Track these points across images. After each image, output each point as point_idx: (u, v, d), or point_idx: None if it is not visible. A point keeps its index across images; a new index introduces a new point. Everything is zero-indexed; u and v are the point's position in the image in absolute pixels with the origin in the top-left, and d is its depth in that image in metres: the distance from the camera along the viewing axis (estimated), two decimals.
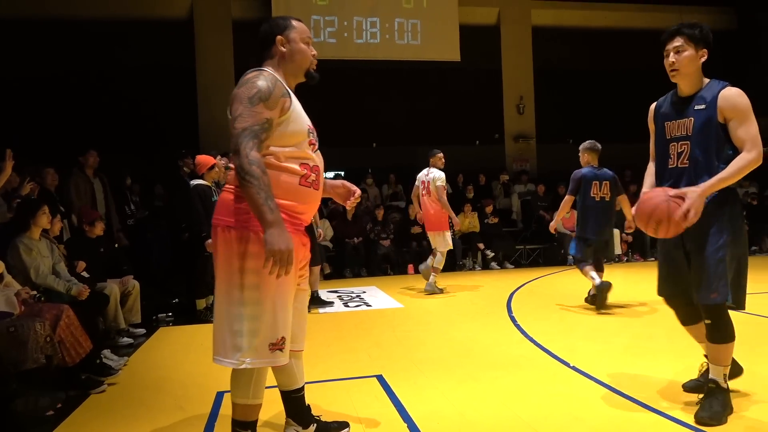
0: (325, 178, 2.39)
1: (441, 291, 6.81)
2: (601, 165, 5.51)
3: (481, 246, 9.52)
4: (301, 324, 2.34)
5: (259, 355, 2.00)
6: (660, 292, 2.77)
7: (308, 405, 2.48)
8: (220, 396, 3.09)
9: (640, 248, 9.96)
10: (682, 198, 2.38)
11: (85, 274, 4.52)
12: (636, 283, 6.97)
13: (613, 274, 6.94)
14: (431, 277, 6.79)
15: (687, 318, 2.76)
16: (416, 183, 6.93)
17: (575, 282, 5.79)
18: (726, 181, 2.39)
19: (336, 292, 7.18)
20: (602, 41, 12.60)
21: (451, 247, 6.88)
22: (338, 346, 4.27)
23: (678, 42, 2.52)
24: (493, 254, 9.64)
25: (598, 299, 5.22)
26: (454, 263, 9.23)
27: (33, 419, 2.92)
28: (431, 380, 3.29)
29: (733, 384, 2.63)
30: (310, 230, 5.62)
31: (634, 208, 2.58)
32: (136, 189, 8.28)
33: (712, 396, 2.49)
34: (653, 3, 12.72)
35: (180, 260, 6.11)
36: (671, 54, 2.54)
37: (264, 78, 2.02)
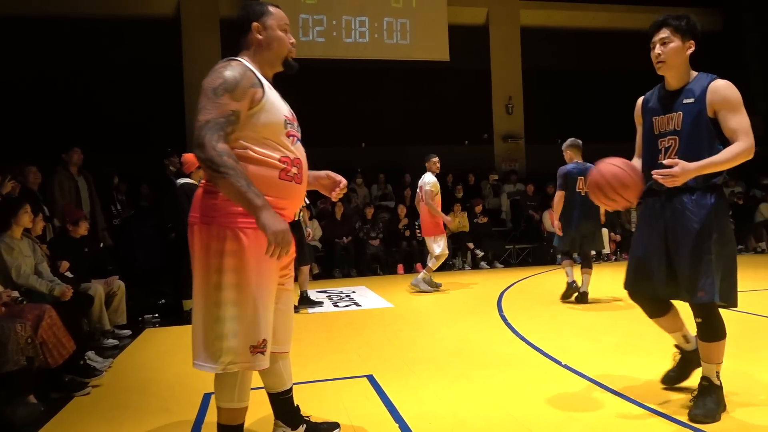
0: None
1: (437, 287, 6.86)
2: (586, 162, 5.56)
3: (471, 245, 9.52)
4: (287, 325, 2.27)
5: (239, 359, 1.92)
6: (627, 286, 2.71)
7: (297, 405, 2.42)
8: (207, 397, 3.03)
9: (628, 248, 10.00)
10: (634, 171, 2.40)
11: (68, 274, 4.43)
12: None
13: (602, 273, 6.94)
14: (422, 273, 6.89)
15: (653, 311, 2.73)
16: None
17: (565, 281, 5.80)
18: (717, 165, 2.32)
19: (325, 292, 7.12)
20: (590, 42, 12.67)
21: (445, 254, 6.86)
22: (328, 347, 4.22)
23: (664, 33, 2.47)
24: (482, 254, 9.64)
25: (564, 292, 5.74)
26: (444, 263, 9.20)
27: (10, 427, 2.84)
28: (423, 380, 3.25)
29: (724, 382, 2.61)
30: (298, 229, 5.60)
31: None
32: (123, 188, 8.17)
33: (705, 394, 2.47)
34: (641, 4, 12.81)
35: (167, 260, 6.02)
36: (657, 45, 2.49)
37: (231, 68, 1.93)
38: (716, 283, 2.38)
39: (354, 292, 7.11)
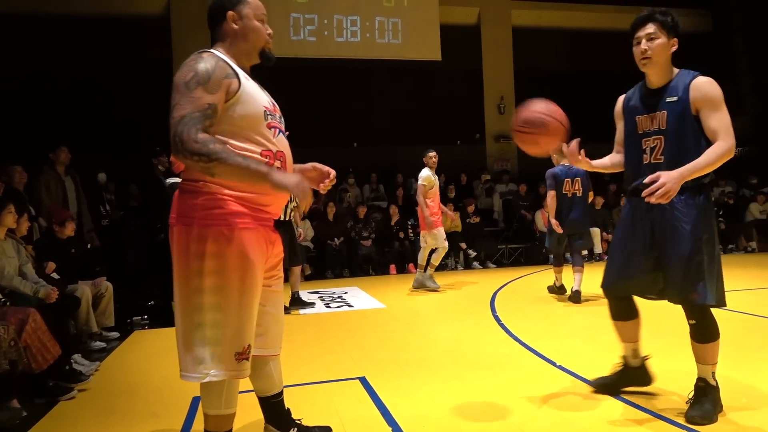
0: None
1: (436, 287, 6.84)
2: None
3: (463, 246, 9.49)
4: (277, 327, 2.20)
5: (224, 367, 1.84)
6: (606, 285, 2.67)
7: (288, 409, 2.36)
8: (196, 402, 2.96)
9: None
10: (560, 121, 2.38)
11: (54, 275, 4.34)
12: None
13: (594, 272, 6.91)
14: (418, 272, 6.91)
15: (621, 313, 2.71)
16: None
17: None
18: (701, 170, 2.28)
19: (317, 292, 7.06)
20: (582, 42, 12.70)
21: (443, 246, 6.80)
22: (320, 348, 4.16)
23: (650, 29, 2.42)
24: (475, 254, 9.61)
25: (551, 286, 6.06)
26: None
27: None
28: (415, 381, 3.20)
29: (719, 382, 2.59)
30: (289, 230, 5.54)
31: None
32: (111, 187, 8.08)
33: (702, 395, 2.45)
34: (632, 4, 12.85)
35: (156, 261, 5.94)
36: (643, 41, 2.42)
37: (203, 60, 1.85)
38: (709, 284, 2.35)
39: (346, 292, 7.05)
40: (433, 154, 6.78)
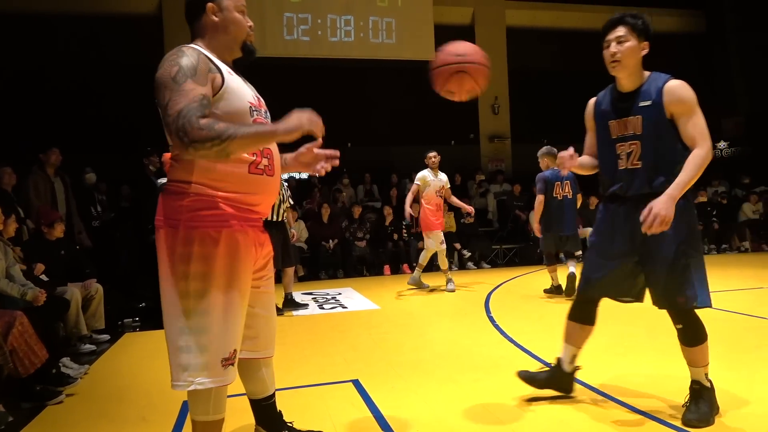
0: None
1: (426, 287, 6.91)
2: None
3: (458, 246, 9.47)
4: (269, 330, 2.16)
5: (210, 374, 1.79)
6: (582, 287, 2.64)
7: (279, 411, 2.32)
8: (186, 405, 2.91)
9: None
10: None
11: (43, 277, 4.28)
12: None
13: None
14: (416, 271, 7.03)
15: (581, 316, 2.68)
16: None
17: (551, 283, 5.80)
18: (687, 184, 2.25)
19: (311, 294, 7.02)
20: (576, 42, 12.69)
21: (434, 250, 6.80)
22: (313, 350, 4.12)
23: (621, 32, 2.40)
24: (469, 254, 9.60)
25: (551, 287, 6.13)
26: (431, 263, 9.14)
27: None
28: (409, 384, 3.17)
29: (715, 382, 2.57)
30: (282, 230, 5.50)
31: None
32: (103, 188, 8.00)
33: (698, 397, 2.42)
34: (626, 5, 12.87)
35: (147, 263, 5.86)
36: (613, 44, 2.40)
37: (184, 54, 1.79)
38: (695, 287, 2.33)
39: (340, 293, 7.01)
40: (432, 154, 6.77)
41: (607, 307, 2.67)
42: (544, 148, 6.06)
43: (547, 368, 2.82)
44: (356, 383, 3.19)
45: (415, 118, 11.70)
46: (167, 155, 5.36)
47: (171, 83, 1.72)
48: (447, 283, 6.84)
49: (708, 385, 2.45)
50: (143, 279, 6.23)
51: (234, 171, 1.85)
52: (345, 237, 9.08)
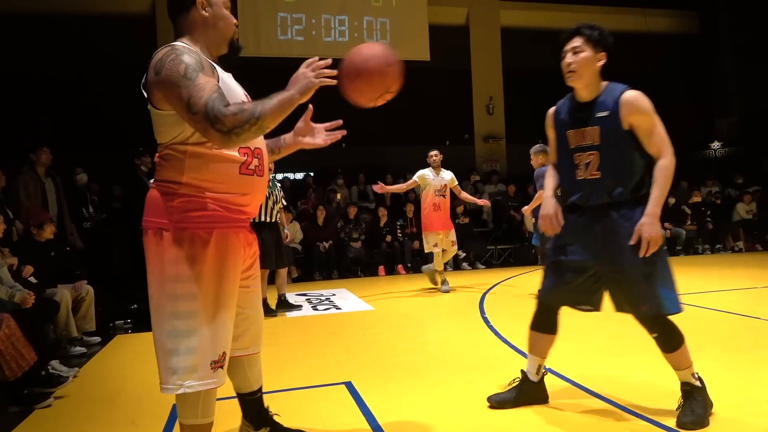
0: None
1: (435, 285, 6.87)
2: None
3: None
4: (257, 329, 2.16)
5: (200, 376, 1.77)
6: (543, 295, 2.63)
7: (267, 406, 2.33)
8: (176, 408, 2.88)
9: None
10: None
11: (32, 279, 4.23)
12: None
13: None
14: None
15: (543, 325, 2.67)
16: None
17: None
18: (662, 197, 2.28)
19: (305, 295, 6.98)
20: None
21: (433, 251, 6.80)
22: (306, 352, 4.09)
23: (576, 42, 2.41)
24: (464, 254, 9.57)
25: None
26: (425, 264, 9.12)
27: None
28: (402, 386, 3.14)
29: (710, 383, 2.55)
30: (275, 231, 5.46)
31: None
32: (95, 189, 7.94)
33: (690, 398, 2.40)
34: (619, 5, 12.91)
35: (139, 264, 5.82)
36: (569, 54, 2.42)
37: (182, 52, 1.75)
38: (659, 295, 2.31)
39: (334, 294, 6.98)
40: (433, 153, 6.74)
41: (603, 307, 2.65)
42: (537, 146, 6.03)
43: (513, 383, 2.77)
44: (349, 385, 3.16)
45: (409, 119, 11.65)
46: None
47: (184, 80, 1.68)
48: (442, 284, 6.81)
49: (698, 384, 2.43)
50: (135, 280, 6.18)
51: (225, 171, 1.83)
52: (340, 238, 9.04)
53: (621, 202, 2.36)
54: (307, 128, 2.17)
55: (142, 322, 5.38)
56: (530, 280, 7.71)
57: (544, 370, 2.76)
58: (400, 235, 9.35)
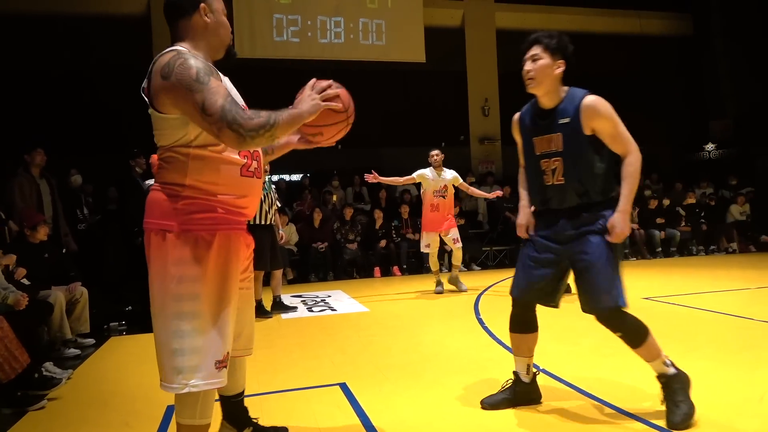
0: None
1: (460, 290, 6.80)
2: None
3: (448, 248, 9.44)
4: (251, 326, 2.20)
5: (205, 376, 1.79)
6: (515, 294, 2.71)
7: (245, 407, 2.35)
8: (170, 410, 2.87)
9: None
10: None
11: (25, 281, 4.21)
12: None
13: None
14: (453, 270, 7.01)
15: (522, 325, 2.73)
16: None
17: None
18: (633, 192, 2.36)
19: (300, 296, 6.98)
20: None
21: (421, 250, 6.84)
22: (300, 353, 4.09)
23: (535, 50, 2.47)
24: None
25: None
26: (420, 265, 9.15)
27: None
28: (397, 387, 3.14)
29: (701, 383, 2.57)
30: (270, 233, 5.45)
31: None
32: (89, 190, 7.92)
33: (670, 389, 2.42)
34: (614, 7, 12.97)
35: (134, 266, 5.80)
36: (527, 62, 2.47)
37: (188, 56, 1.76)
38: (618, 288, 2.38)
39: (329, 296, 6.98)
40: (434, 152, 6.69)
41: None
42: None
43: (506, 384, 2.79)
44: (343, 386, 3.16)
45: (405, 120, 11.70)
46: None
47: (197, 84, 1.70)
48: (436, 285, 6.83)
49: (672, 371, 2.44)
50: (130, 282, 6.17)
51: (227, 173, 1.85)
52: (336, 239, 9.04)
53: (592, 204, 2.43)
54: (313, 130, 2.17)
55: (136, 324, 5.37)
56: None
57: (534, 370, 2.77)
58: (394, 235, 9.36)
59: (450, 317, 5.35)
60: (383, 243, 9.14)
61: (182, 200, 1.79)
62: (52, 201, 5.81)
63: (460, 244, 6.79)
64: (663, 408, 2.48)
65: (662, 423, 2.40)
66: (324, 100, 1.85)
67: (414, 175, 6.70)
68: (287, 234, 7.94)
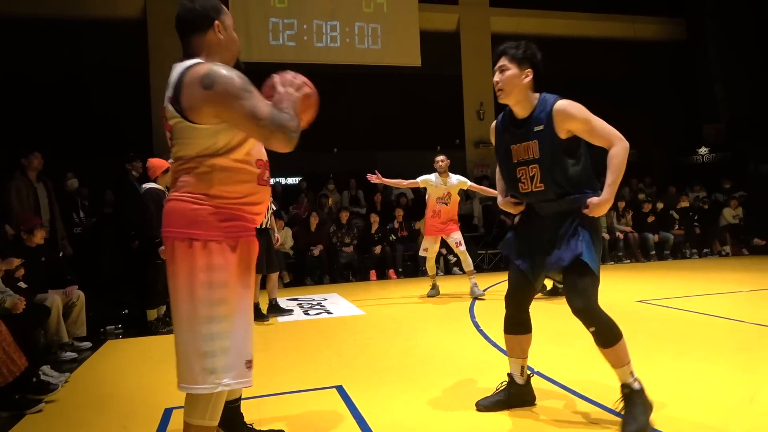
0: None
1: (480, 298, 6.56)
2: None
3: (444, 251, 9.48)
4: (252, 329, 2.23)
5: (236, 375, 1.86)
6: (511, 299, 2.77)
7: (241, 413, 2.39)
8: (168, 413, 2.89)
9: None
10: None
11: (22, 284, 4.22)
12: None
13: None
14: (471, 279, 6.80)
15: (516, 327, 2.77)
16: None
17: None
18: (616, 182, 2.38)
19: (296, 299, 6.99)
20: (560, 49, 12.84)
21: (425, 256, 6.89)
22: (297, 356, 4.11)
23: (502, 62, 2.51)
24: (455, 259, 9.60)
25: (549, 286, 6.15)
26: (416, 269, 9.18)
27: None
28: (393, 390, 3.17)
29: (689, 386, 2.61)
30: (266, 236, 5.47)
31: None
32: (85, 194, 7.92)
33: (631, 402, 2.42)
34: (609, 12, 13.06)
35: (130, 269, 5.82)
36: (496, 74, 2.52)
37: (224, 67, 1.84)
38: (580, 245, 2.40)
39: (325, 299, 6.99)
40: (440, 158, 6.64)
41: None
42: None
43: (501, 386, 2.82)
44: (340, 389, 3.19)
45: (400, 124, 11.74)
46: (154, 161, 5.37)
47: (244, 93, 1.79)
48: (430, 289, 6.86)
49: (637, 386, 2.44)
50: (126, 285, 6.18)
51: (249, 182, 1.94)
52: (332, 243, 9.05)
53: (574, 208, 2.47)
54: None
55: (133, 328, 5.38)
56: None
57: (528, 371, 2.80)
58: (392, 237, 9.38)
59: (446, 320, 5.38)
60: (378, 249, 9.14)
61: (208, 209, 1.86)
62: (49, 204, 5.81)
63: (463, 247, 6.76)
64: (672, 413, 2.50)
65: (655, 425, 2.44)
66: (296, 90, 1.94)
67: (418, 180, 6.69)
68: (282, 238, 7.95)
